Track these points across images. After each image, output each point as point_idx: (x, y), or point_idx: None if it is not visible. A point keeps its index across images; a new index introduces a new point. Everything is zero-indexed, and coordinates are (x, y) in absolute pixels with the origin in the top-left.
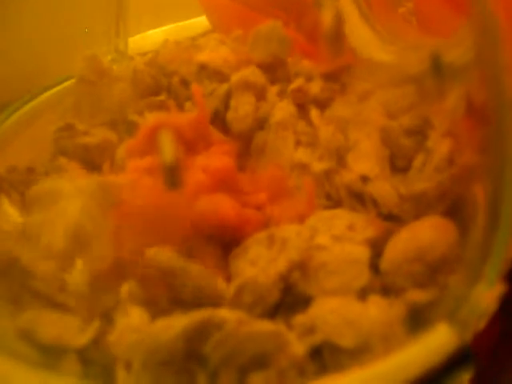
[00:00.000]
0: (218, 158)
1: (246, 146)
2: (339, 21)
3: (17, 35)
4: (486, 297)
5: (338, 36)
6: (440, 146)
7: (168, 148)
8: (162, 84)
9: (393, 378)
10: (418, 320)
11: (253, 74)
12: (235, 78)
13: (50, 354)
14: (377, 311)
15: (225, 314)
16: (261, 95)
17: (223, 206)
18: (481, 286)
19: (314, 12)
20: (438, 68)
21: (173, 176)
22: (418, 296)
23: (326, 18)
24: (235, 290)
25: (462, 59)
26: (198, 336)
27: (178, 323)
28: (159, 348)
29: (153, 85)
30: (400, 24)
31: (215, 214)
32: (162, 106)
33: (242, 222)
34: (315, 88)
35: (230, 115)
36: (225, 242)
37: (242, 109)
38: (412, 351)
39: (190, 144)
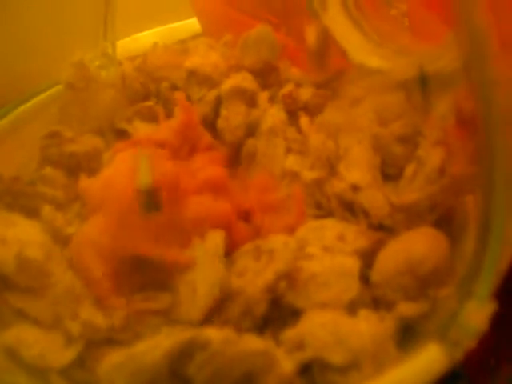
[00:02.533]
0: (210, 166)
1: (236, 152)
2: (324, 38)
3: (1, 40)
4: (477, 316)
5: (322, 53)
6: (431, 155)
7: (145, 173)
8: (151, 90)
9: None
10: (408, 334)
11: (244, 79)
12: (226, 85)
13: (34, 374)
14: (367, 327)
15: (210, 333)
16: (252, 101)
17: (216, 204)
18: (472, 304)
19: (306, 18)
20: (423, 80)
21: (150, 200)
22: (408, 309)
23: (311, 35)
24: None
25: (449, 68)
26: (182, 357)
27: (162, 344)
28: (143, 369)
29: (142, 90)
30: (391, 27)
31: (210, 212)
32: (150, 113)
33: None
34: (306, 94)
35: (221, 124)
36: None
37: (234, 119)
38: (402, 371)
39: (177, 151)
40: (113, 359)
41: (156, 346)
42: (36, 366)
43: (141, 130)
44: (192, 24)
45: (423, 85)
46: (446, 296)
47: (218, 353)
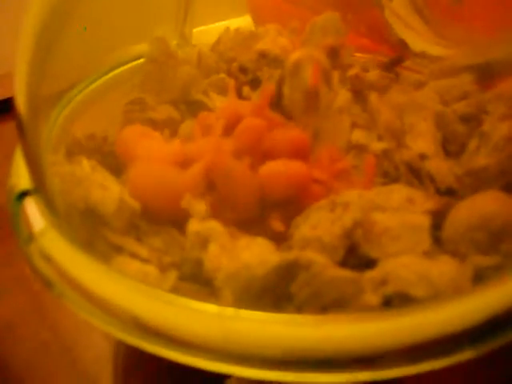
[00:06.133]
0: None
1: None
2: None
3: (91, 19)
4: None
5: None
6: (497, 128)
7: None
8: (223, 69)
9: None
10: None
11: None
12: (288, 62)
13: None
14: (447, 266)
15: (312, 256)
16: (326, 79)
17: (293, 166)
18: None
19: (370, 9)
20: None
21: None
22: (481, 261)
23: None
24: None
25: None
26: (287, 274)
27: (271, 259)
28: (255, 279)
29: (215, 68)
30: (449, 18)
31: (285, 173)
32: (223, 85)
33: (310, 182)
34: (373, 76)
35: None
36: (288, 210)
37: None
38: (485, 295)
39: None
40: (228, 269)
41: (265, 261)
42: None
43: (217, 100)
44: None
45: None
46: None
47: (318, 274)
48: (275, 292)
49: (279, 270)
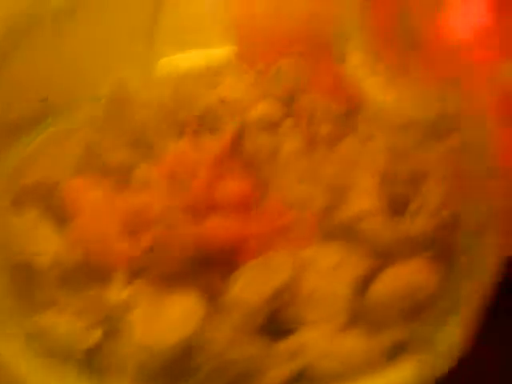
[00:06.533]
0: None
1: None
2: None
3: (51, 56)
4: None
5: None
6: (434, 192)
7: None
8: (182, 113)
9: None
10: (395, 354)
11: (271, 106)
12: (251, 116)
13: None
14: (357, 341)
15: (215, 331)
16: (274, 129)
17: (230, 224)
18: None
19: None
20: None
21: None
22: (397, 333)
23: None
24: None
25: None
26: (189, 349)
27: (172, 335)
28: (153, 358)
29: (174, 112)
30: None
31: (222, 230)
32: (181, 130)
33: (248, 239)
34: (326, 128)
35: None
36: (222, 267)
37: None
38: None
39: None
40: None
41: (166, 337)
42: (62, 349)
43: (175, 144)
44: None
45: None
46: (429, 323)
47: (221, 351)
48: (176, 368)
49: (181, 345)
